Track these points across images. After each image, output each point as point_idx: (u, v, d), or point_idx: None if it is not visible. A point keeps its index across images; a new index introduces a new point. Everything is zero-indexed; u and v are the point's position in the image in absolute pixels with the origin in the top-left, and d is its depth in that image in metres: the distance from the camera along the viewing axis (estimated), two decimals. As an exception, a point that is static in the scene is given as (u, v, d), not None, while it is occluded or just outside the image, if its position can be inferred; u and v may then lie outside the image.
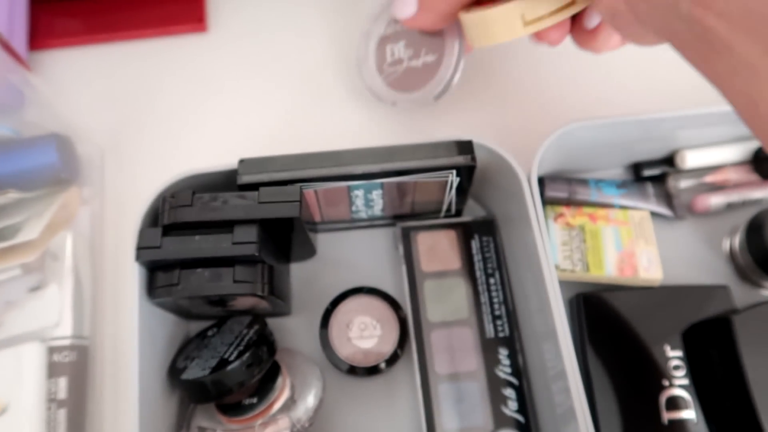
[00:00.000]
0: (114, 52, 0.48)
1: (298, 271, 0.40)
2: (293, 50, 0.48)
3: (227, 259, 0.32)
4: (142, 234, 0.32)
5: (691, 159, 0.41)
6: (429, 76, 0.39)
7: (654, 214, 0.40)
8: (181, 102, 0.46)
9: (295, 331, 0.39)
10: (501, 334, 0.37)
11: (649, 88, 0.46)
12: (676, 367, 0.35)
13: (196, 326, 0.39)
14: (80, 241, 0.39)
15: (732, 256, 0.40)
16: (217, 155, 0.42)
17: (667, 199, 0.41)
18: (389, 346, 0.36)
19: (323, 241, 0.41)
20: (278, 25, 0.48)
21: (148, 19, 0.48)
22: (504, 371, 0.36)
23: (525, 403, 0.36)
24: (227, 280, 0.32)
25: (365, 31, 0.42)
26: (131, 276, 0.32)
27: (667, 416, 0.34)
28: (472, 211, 0.42)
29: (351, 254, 0.41)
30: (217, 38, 0.48)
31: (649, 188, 0.41)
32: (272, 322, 0.38)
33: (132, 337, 0.32)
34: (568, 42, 0.35)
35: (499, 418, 0.35)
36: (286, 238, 0.35)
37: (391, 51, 0.41)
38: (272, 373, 0.34)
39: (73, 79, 0.47)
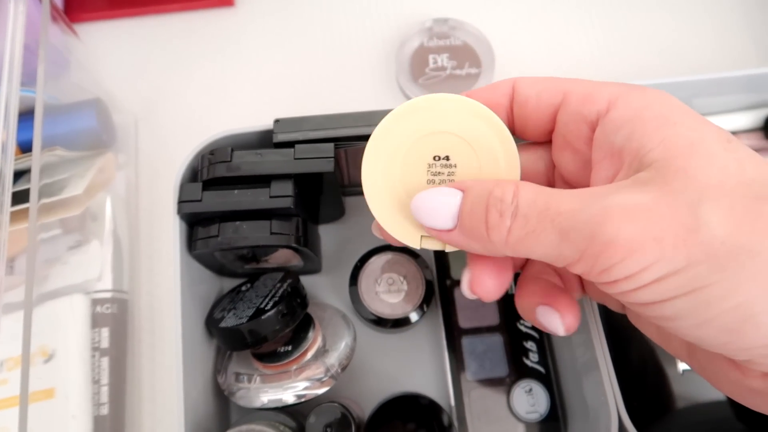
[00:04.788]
0: (143, 26, 0.50)
1: (326, 234, 0.42)
2: (319, 24, 0.49)
3: (264, 213, 0.34)
4: (183, 188, 0.34)
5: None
6: (471, 83, 0.46)
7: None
8: (209, 73, 0.48)
9: (325, 288, 0.41)
10: (522, 291, 0.39)
11: (661, 55, 0.48)
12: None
13: (229, 284, 0.41)
14: (117, 203, 0.41)
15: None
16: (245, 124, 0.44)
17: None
18: (415, 301, 0.38)
19: (350, 204, 0.43)
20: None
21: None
22: (525, 325, 0.38)
23: (545, 355, 0.37)
24: (264, 232, 0.34)
25: (404, 40, 0.48)
26: (172, 230, 0.34)
27: (681, 366, 0.36)
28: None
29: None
30: (245, 12, 0.50)
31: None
32: (303, 281, 0.39)
33: (174, 286, 0.33)
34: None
35: (521, 369, 0.37)
36: (318, 195, 0.37)
37: (434, 59, 0.47)
38: (305, 324, 0.36)
39: (105, 52, 0.49)
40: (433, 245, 0.24)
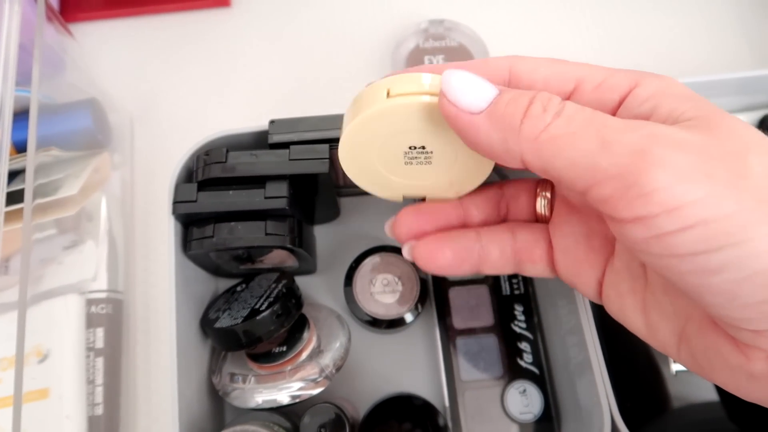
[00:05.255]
0: (139, 25, 0.50)
1: (321, 234, 0.42)
2: (315, 25, 0.49)
3: (259, 213, 0.34)
4: (178, 189, 0.34)
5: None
6: None
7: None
8: (206, 73, 0.48)
9: (319, 288, 0.41)
10: (516, 292, 0.39)
11: (656, 57, 0.48)
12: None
13: (224, 285, 0.41)
14: (112, 203, 0.41)
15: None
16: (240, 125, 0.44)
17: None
18: (410, 302, 0.38)
19: (345, 205, 0.43)
20: (300, 1, 0.50)
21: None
22: (519, 326, 0.38)
23: (539, 356, 0.37)
24: (259, 233, 0.34)
25: (400, 41, 0.47)
26: (167, 230, 0.34)
27: (674, 366, 0.36)
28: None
29: (372, 217, 0.43)
30: (241, 13, 0.50)
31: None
32: (298, 281, 0.40)
33: (169, 286, 0.33)
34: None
35: (515, 370, 0.37)
36: (313, 196, 0.37)
37: (430, 60, 0.47)
38: (300, 324, 0.36)
39: (101, 52, 0.49)
40: (415, 194, 0.27)
